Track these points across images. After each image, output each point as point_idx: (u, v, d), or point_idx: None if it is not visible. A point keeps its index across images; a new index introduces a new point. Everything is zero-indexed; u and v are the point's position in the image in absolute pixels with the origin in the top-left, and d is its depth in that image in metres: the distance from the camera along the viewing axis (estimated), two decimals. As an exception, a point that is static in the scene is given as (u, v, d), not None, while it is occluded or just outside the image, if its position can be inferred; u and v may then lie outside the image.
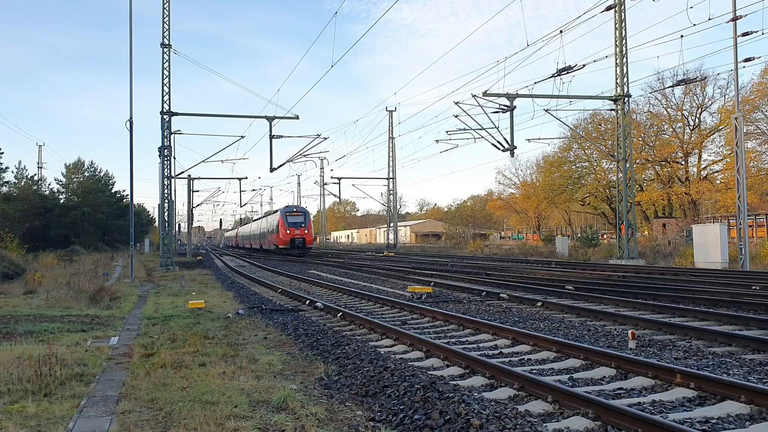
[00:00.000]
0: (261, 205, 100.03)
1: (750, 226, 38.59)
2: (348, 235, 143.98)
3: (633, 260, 30.59)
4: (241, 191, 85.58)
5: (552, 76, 27.94)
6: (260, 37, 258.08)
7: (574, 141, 56.68)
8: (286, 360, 8.74)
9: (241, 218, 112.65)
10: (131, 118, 26.07)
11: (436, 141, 39.15)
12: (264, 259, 45.22)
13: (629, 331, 9.38)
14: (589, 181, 59.64)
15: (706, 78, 43.73)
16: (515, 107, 29.04)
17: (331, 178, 65.88)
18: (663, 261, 31.97)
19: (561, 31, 26.33)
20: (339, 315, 13.05)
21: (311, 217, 54.15)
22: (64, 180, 71.39)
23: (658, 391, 6.67)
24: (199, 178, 57.64)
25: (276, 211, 56.29)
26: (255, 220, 77.84)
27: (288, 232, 49.39)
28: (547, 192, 63.49)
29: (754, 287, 16.11)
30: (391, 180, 64.45)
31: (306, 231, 50.00)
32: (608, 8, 28.89)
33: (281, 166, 38.86)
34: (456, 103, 29.07)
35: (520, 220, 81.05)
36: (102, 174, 74.97)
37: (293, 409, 6.09)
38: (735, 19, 24.24)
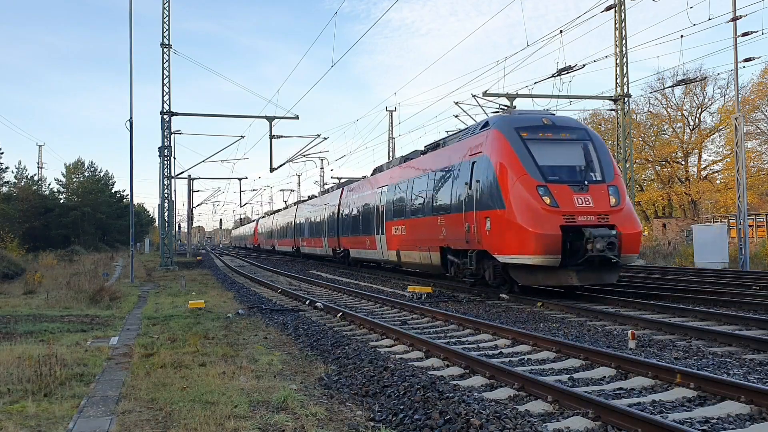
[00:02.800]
0: (261, 205, 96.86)
1: (750, 226, 38.57)
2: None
3: (633, 260, 30.49)
4: (241, 191, 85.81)
5: (552, 76, 27.93)
6: (260, 37, 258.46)
7: (574, 141, 56.53)
8: (286, 360, 8.74)
9: (241, 218, 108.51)
10: (131, 118, 26.10)
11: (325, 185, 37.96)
12: (264, 260, 45.09)
13: (629, 331, 9.37)
14: (589, 180, 59.51)
15: (706, 78, 43.74)
16: (515, 107, 29.05)
17: (331, 178, 65.55)
18: (663, 261, 31.95)
19: (561, 31, 26.33)
20: (339, 315, 13.05)
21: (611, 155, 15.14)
22: (64, 180, 71.43)
23: (658, 391, 6.67)
24: (199, 178, 57.74)
25: (466, 133, 17.34)
26: (323, 194, 38.80)
27: (550, 203, 13.46)
28: (547, 192, 63.33)
29: (753, 287, 16.11)
30: (391, 180, 63.71)
31: (616, 201, 13.91)
32: (608, 8, 28.89)
33: (281, 166, 38.84)
34: (456, 103, 29.00)
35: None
36: (102, 174, 75.08)
37: (293, 409, 6.09)
38: (735, 19, 24.23)
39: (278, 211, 57.63)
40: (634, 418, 5.29)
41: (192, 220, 68.81)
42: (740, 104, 29.60)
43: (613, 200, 13.90)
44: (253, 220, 76.25)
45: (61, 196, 70.16)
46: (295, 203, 49.71)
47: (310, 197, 43.86)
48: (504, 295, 15.59)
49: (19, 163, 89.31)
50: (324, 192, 39.11)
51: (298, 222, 41.98)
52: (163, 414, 5.95)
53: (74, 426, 5.63)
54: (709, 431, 5.38)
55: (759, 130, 45.83)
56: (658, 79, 47.53)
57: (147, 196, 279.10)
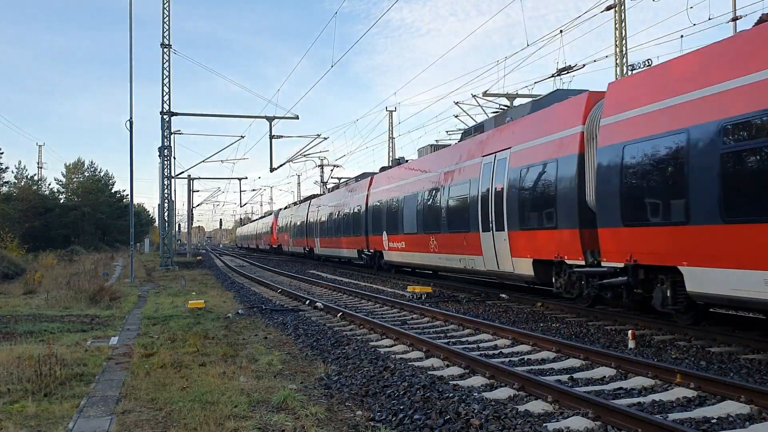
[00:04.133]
0: (261, 205, 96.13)
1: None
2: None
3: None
4: (241, 191, 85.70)
5: (552, 76, 27.78)
6: (260, 37, 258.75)
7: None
8: (286, 360, 8.74)
9: (241, 217, 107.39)
10: (131, 118, 26.07)
11: (436, 141, 38.95)
12: (264, 260, 45.10)
13: (629, 331, 9.38)
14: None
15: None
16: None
17: (331, 178, 65.60)
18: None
19: (561, 31, 26.30)
20: (339, 315, 13.05)
21: None
22: (64, 180, 71.43)
23: (658, 391, 6.67)
24: (199, 178, 57.72)
25: None
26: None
27: None
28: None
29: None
30: (392, 179, 62.66)
31: None
32: (608, 8, 28.83)
33: (281, 166, 38.88)
34: (456, 103, 29.02)
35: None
36: (102, 174, 74.99)
37: (293, 409, 6.09)
38: (735, 19, 24.21)
39: (316, 196, 40.68)
40: (634, 418, 5.29)
41: (192, 220, 68.77)
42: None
43: None
44: (268, 213, 58.38)
45: (61, 196, 70.15)
46: (360, 176, 30.83)
47: (400, 159, 27.73)
48: (504, 295, 15.59)
49: (19, 163, 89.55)
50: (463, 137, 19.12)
51: (372, 205, 25.71)
52: (163, 414, 5.95)
53: (74, 426, 5.62)
54: (709, 431, 5.39)
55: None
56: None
57: (147, 196, 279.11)
